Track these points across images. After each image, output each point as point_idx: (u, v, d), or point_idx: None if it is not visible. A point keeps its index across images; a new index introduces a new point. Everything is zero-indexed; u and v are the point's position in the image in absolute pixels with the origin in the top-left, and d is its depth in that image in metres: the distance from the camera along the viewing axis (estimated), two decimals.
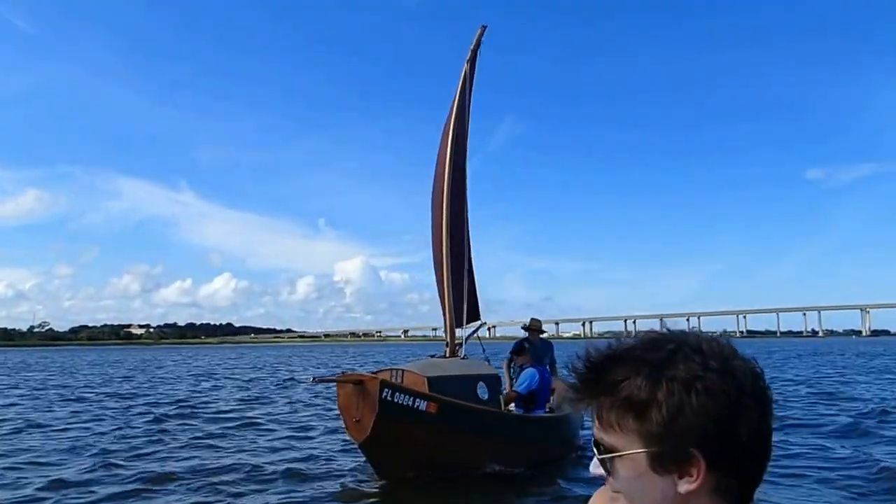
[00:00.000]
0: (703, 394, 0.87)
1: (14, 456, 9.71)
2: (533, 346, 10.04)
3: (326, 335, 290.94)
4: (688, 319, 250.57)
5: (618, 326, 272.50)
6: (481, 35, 11.25)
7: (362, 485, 8.28)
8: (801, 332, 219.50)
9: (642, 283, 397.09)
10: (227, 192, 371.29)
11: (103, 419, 13.99)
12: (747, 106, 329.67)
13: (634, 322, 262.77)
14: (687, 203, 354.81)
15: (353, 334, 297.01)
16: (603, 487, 1.07)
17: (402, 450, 7.90)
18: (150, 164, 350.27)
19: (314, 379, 8.45)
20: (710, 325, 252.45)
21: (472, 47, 11.13)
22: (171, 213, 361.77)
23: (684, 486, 0.88)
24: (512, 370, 10.03)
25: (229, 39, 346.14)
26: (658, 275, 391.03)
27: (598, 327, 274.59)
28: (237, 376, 31.43)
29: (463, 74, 10.90)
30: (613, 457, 0.93)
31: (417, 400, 7.92)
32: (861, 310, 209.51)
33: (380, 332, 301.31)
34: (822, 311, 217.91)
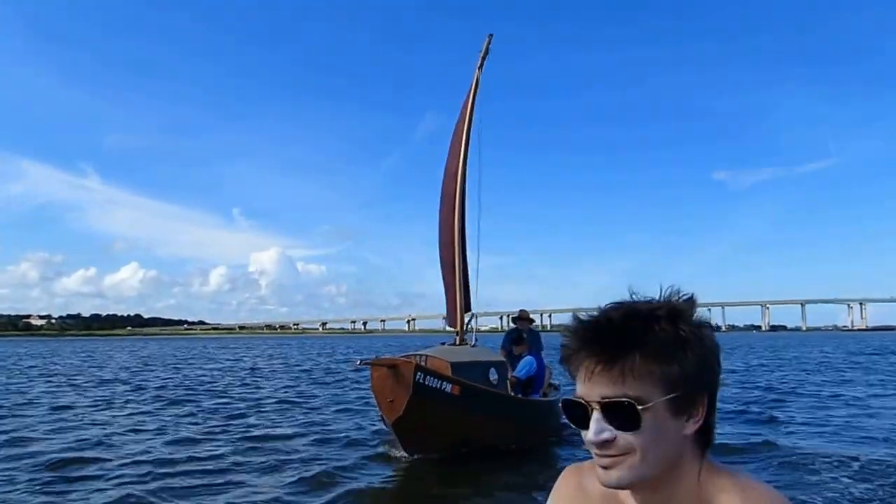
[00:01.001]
0: (710, 339, 1.00)
1: None
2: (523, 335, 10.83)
3: (241, 327, 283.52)
4: None
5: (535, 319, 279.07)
6: (489, 44, 11.85)
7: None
8: (719, 326, 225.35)
9: (556, 278, 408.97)
10: (135, 178, 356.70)
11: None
12: (658, 107, 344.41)
13: (550, 316, 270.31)
14: (599, 202, 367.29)
15: (269, 326, 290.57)
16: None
17: (429, 428, 8.50)
18: (53, 148, 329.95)
19: (360, 362, 9.03)
20: None
21: (481, 55, 11.72)
22: (75, 199, 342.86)
23: (691, 427, 0.98)
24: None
25: (143, 27, 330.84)
26: (572, 271, 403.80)
27: None
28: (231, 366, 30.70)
29: (475, 82, 11.46)
30: (645, 408, 0.96)
31: (444, 383, 8.54)
32: (761, 306, 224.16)
33: (297, 324, 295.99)
34: (725, 307, 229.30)
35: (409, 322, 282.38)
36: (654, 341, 0.96)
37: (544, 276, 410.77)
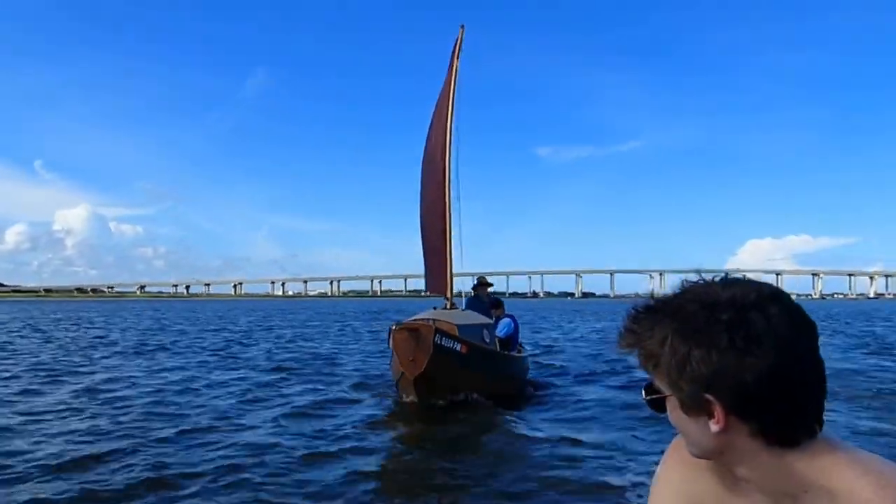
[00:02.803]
0: (705, 347, 0.93)
1: None
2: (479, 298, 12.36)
3: (47, 290, 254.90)
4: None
5: (364, 286, 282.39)
6: (462, 35, 13.04)
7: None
8: (526, 294, 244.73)
9: (388, 245, 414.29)
10: None
11: None
12: (491, 86, 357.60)
13: (380, 282, 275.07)
14: None
15: (79, 290, 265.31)
16: (679, 437, 1.16)
17: (441, 382, 9.70)
18: None
19: (395, 325, 9.82)
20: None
21: (456, 46, 12.88)
22: None
23: (714, 427, 0.96)
24: None
25: None
26: (403, 239, 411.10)
27: (346, 286, 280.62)
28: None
29: (454, 70, 12.61)
30: (655, 398, 1.03)
31: (455, 343, 9.79)
32: (575, 275, 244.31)
33: (111, 287, 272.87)
34: (544, 276, 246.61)
35: (235, 287, 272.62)
36: (647, 344, 0.99)
37: (376, 242, 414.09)
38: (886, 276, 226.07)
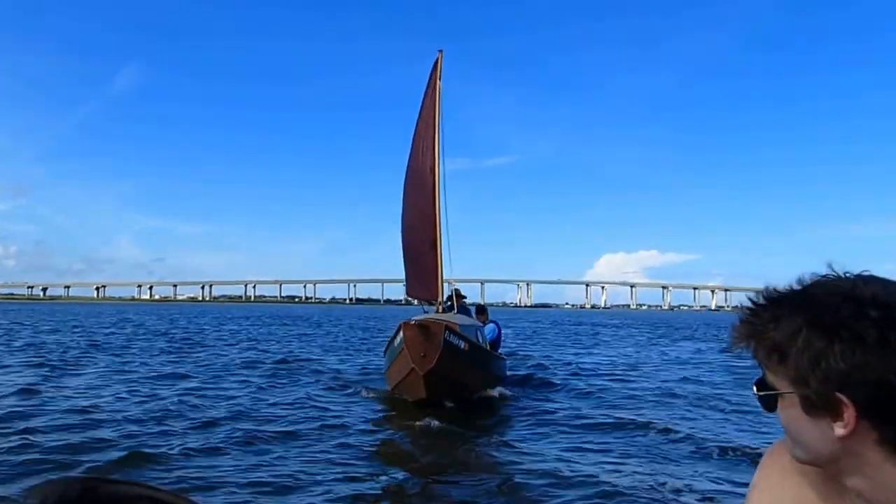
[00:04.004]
0: (848, 342, 0.86)
1: None
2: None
3: None
4: (304, 286, 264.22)
5: (238, 291, 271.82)
6: (437, 60, 14.13)
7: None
8: (401, 301, 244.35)
9: (263, 249, 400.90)
10: None
11: None
12: (369, 95, 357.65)
13: (254, 287, 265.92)
14: (306, 178, 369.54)
15: None
16: (781, 439, 1.09)
17: (450, 378, 10.37)
18: None
19: (413, 321, 10.44)
20: (324, 292, 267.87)
21: (436, 72, 13.95)
22: None
23: (839, 430, 0.89)
24: None
25: None
26: (279, 242, 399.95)
27: (217, 291, 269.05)
28: None
29: (437, 91, 13.66)
30: (769, 395, 0.96)
31: (461, 340, 10.60)
32: (449, 283, 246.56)
33: None
34: None
35: (97, 289, 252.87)
36: (774, 335, 0.93)
37: (250, 246, 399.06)
38: (725, 290, 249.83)
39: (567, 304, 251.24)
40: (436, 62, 13.97)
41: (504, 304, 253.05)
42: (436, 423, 9.34)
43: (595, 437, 8.88)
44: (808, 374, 0.89)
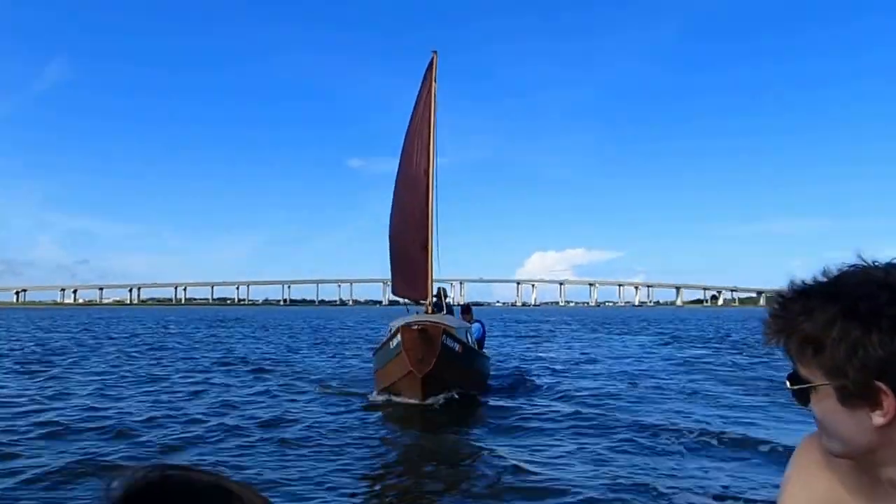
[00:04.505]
0: (886, 330, 0.86)
1: None
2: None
3: None
4: (237, 288, 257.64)
5: (167, 294, 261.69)
6: (432, 62, 14.16)
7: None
8: (335, 302, 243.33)
9: (193, 250, 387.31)
10: None
11: None
12: (296, 91, 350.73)
13: (185, 289, 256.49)
14: (234, 177, 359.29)
15: None
16: (811, 434, 1.11)
17: (443, 379, 10.61)
18: None
19: (416, 325, 10.53)
20: (257, 294, 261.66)
21: (431, 73, 13.99)
22: None
23: (878, 419, 0.89)
24: None
25: None
26: (209, 244, 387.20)
27: (146, 293, 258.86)
28: None
29: (432, 94, 13.70)
30: (803, 388, 0.96)
31: (455, 343, 10.90)
32: (383, 283, 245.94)
33: None
34: (353, 284, 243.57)
35: (18, 294, 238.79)
36: (807, 326, 0.93)
37: (180, 247, 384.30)
38: (648, 286, 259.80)
39: (498, 302, 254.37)
40: (430, 62, 13.97)
41: None
42: (426, 422, 9.62)
43: (585, 439, 8.85)
44: (846, 364, 0.89)
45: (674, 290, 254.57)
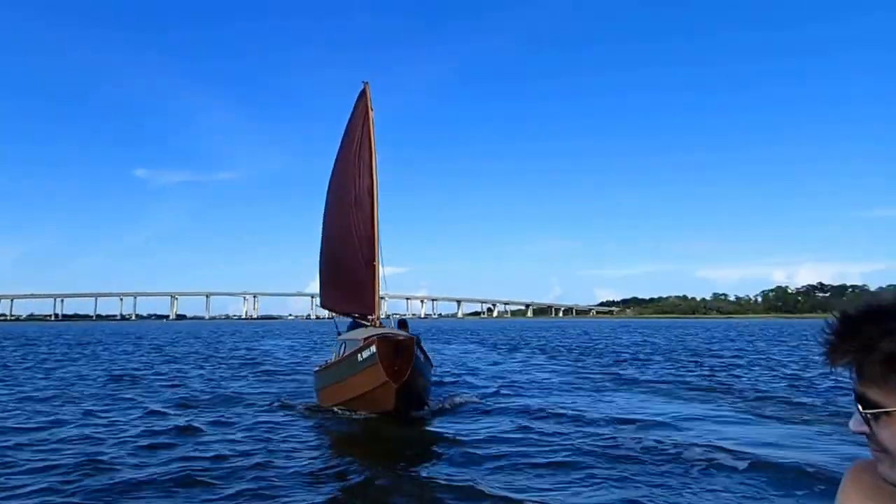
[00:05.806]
0: None
1: None
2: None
3: None
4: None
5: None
6: (365, 91, 14.90)
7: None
8: (116, 316, 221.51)
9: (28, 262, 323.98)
10: None
11: None
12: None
13: (12, 301, 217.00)
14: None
15: None
16: (859, 461, 1.06)
17: (413, 389, 11.13)
18: None
19: (388, 337, 10.91)
20: (24, 308, 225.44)
21: (365, 101, 14.73)
22: None
23: None
24: None
25: None
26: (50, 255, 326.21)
27: None
28: None
29: (370, 117, 14.34)
30: (879, 413, 0.92)
31: (420, 353, 11.53)
32: (171, 297, 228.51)
33: None
34: (137, 297, 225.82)
35: None
36: (889, 347, 0.88)
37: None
38: (432, 300, 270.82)
39: (290, 315, 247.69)
40: (363, 91, 14.58)
41: (227, 317, 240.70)
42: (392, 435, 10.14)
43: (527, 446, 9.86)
44: None
45: (455, 304, 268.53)
